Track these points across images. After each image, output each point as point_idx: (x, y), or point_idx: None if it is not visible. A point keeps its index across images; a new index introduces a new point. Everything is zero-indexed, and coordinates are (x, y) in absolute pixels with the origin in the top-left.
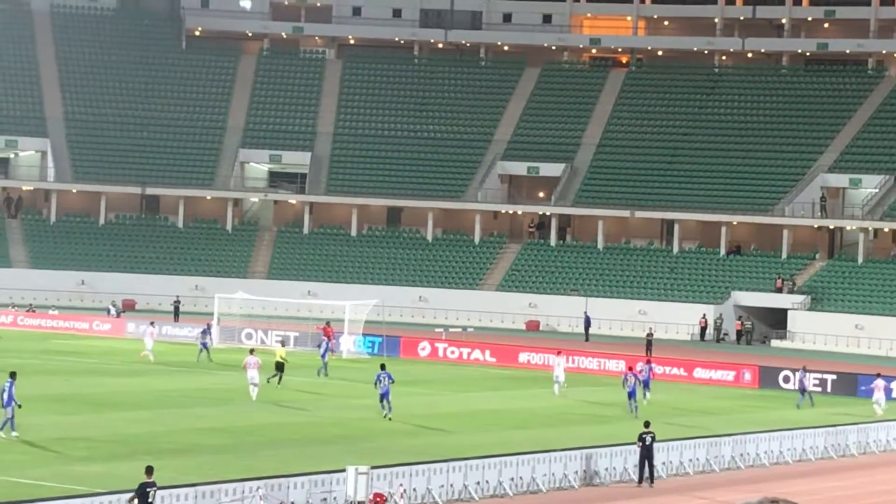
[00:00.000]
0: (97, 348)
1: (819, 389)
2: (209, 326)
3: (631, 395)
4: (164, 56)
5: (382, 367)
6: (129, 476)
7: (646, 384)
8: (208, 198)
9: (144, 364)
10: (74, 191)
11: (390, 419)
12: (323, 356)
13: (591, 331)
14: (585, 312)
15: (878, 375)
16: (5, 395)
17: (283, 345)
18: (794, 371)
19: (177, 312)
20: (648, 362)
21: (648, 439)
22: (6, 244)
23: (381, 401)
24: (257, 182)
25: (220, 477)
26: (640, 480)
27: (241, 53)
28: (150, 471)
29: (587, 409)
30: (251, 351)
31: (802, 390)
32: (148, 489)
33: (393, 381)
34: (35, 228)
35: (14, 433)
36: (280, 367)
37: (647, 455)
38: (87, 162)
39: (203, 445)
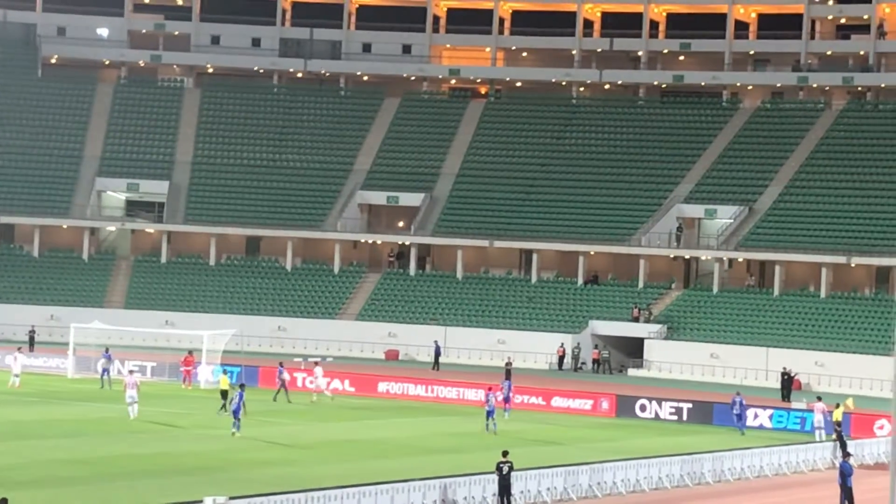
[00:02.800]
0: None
1: (675, 418)
2: (108, 351)
3: (490, 413)
4: (19, 83)
5: (242, 387)
6: None
7: (506, 399)
8: (64, 227)
9: (8, 394)
10: None
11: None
12: (235, 413)
13: (448, 360)
14: (436, 341)
15: (819, 399)
16: None
17: (133, 374)
18: (651, 400)
19: (31, 342)
20: (508, 379)
21: (506, 468)
22: None
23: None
24: (114, 211)
25: None
26: None
27: (98, 81)
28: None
29: (445, 439)
30: (130, 371)
31: (739, 416)
32: None
33: (243, 401)
34: None
35: None
36: (224, 394)
37: (504, 484)
38: None
39: (59, 477)
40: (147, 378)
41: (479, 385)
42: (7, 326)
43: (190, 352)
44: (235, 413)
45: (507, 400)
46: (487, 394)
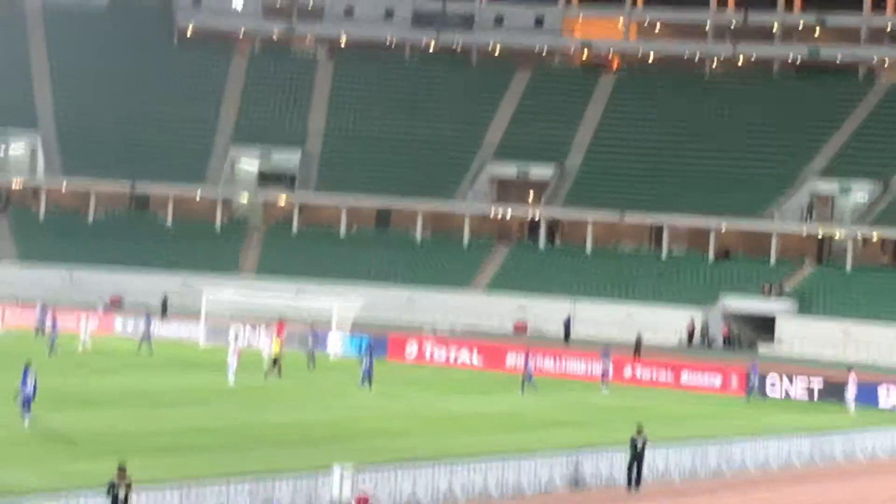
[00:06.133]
0: (84, 345)
1: (806, 396)
2: (149, 316)
3: (527, 378)
4: (155, 53)
5: (370, 348)
6: (111, 475)
7: (604, 374)
8: (198, 196)
9: (133, 360)
10: (64, 187)
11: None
12: (367, 373)
13: (576, 333)
14: (568, 316)
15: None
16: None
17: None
18: (782, 377)
19: (164, 309)
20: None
21: (640, 443)
22: None
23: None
24: (247, 181)
25: (205, 475)
26: (630, 484)
27: (232, 52)
28: (122, 469)
29: (574, 412)
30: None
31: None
32: (116, 488)
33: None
34: (24, 224)
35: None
36: (276, 361)
37: (636, 459)
38: (77, 158)
39: (187, 444)
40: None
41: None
42: (141, 293)
43: (281, 318)
44: (368, 373)
45: (604, 374)
46: (526, 359)
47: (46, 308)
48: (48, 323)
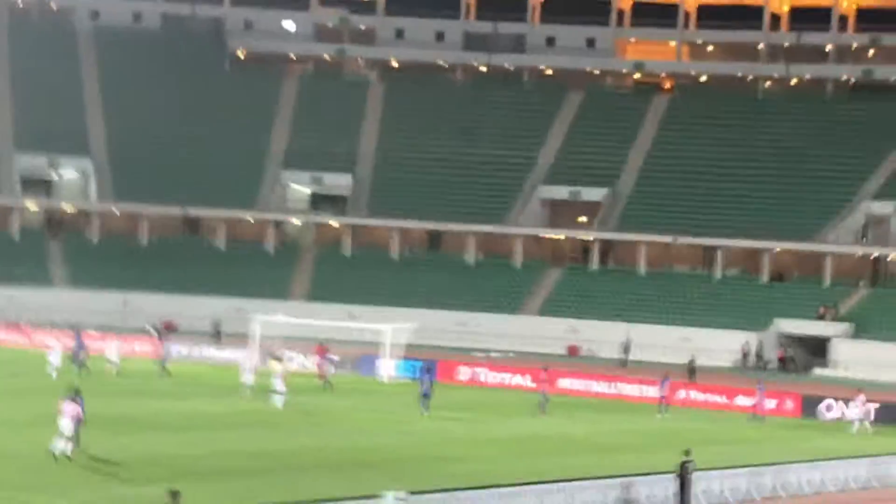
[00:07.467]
0: (138, 370)
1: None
2: (79, 334)
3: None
4: (207, 77)
5: (430, 370)
6: (162, 500)
7: (662, 398)
8: (250, 219)
9: (193, 386)
10: (116, 211)
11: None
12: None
13: (630, 356)
14: (626, 339)
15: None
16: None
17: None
18: (837, 400)
19: (217, 333)
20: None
21: (688, 468)
22: (48, 264)
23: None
24: (299, 204)
25: (257, 501)
26: None
27: (284, 75)
28: (173, 494)
29: (627, 436)
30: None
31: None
32: None
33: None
34: (76, 249)
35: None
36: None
37: (685, 484)
38: (128, 182)
39: (239, 468)
40: (331, 371)
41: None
42: (194, 318)
43: (321, 342)
44: (425, 396)
45: (662, 399)
46: (540, 375)
47: (80, 333)
48: (77, 346)
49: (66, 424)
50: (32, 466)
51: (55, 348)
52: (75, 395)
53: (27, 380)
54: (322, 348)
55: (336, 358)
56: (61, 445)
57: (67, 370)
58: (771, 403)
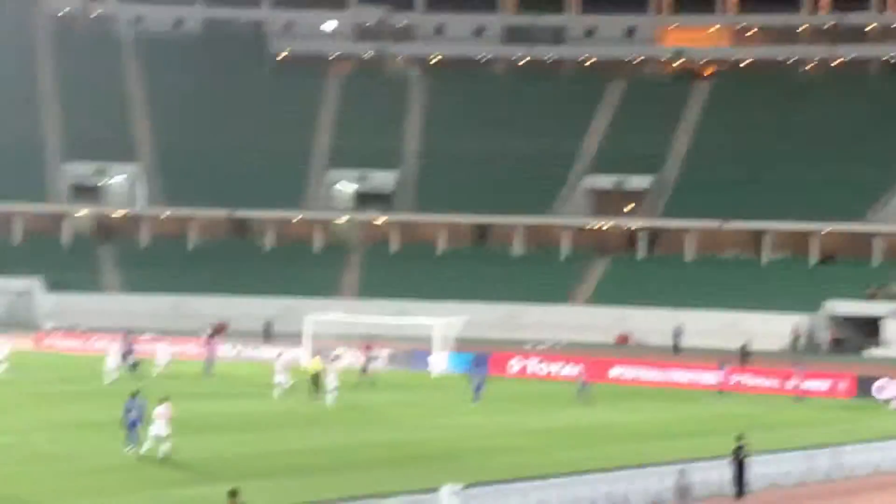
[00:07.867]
0: (191, 371)
1: None
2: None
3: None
4: (249, 79)
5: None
6: (223, 500)
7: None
8: (296, 219)
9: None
10: (164, 215)
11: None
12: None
13: (682, 343)
14: (678, 326)
15: None
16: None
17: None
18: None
19: (268, 333)
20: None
21: (742, 452)
22: (99, 270)
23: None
24: (344, 202)
25: (314, 498)
26: (737, 494)
27: (325, 75)
28: (233, 494)
29: (679, 423)
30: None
31: None
32: None
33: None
34: (127, 254)
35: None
36: (315, 379)
37: (740, 468)
38: (176, 186)
39: (295, 466)
40: (384, 367)
41: (713, 367)
42: (245, 318)
43: (367, 339)
44: (478, 389)
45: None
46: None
47: (129, 337)
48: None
49: (160, 427)
50: (93, 469)
51: (111, 354)
52: (134, 398)
53: (82, 384)
54: (367, 345)
55: (378, 354)
56: (164, 448)
57: (123, 376)
58: (823, 385)
